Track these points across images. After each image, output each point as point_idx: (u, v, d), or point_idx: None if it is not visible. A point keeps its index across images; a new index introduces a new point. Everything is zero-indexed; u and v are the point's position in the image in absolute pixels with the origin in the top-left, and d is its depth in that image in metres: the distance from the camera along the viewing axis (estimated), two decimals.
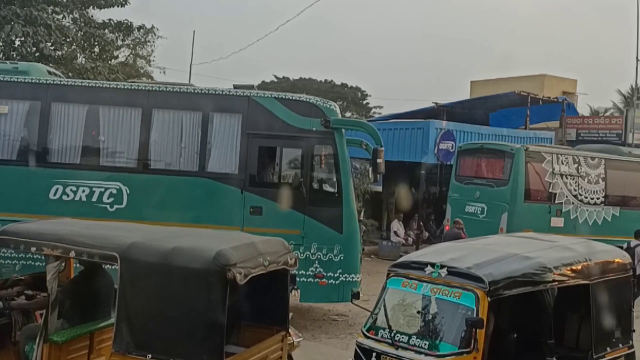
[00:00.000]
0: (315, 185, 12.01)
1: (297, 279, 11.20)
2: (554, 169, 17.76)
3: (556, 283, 6.91)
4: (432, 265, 6.72)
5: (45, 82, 12.34)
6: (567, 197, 17.96)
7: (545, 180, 17.77)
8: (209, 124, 11.91)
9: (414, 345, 6.44)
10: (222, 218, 11.50)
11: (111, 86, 12.53)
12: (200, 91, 12.25)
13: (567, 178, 17.93)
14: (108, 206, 11.58)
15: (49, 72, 13.46)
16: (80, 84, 12.62)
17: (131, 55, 34.53)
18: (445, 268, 6.64)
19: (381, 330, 6.76)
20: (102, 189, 11.62)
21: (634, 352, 7.93)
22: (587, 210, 18.24)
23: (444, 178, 26.05)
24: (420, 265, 6.86)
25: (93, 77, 21.89)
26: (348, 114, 46.21)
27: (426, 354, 6.31)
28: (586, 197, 18.23)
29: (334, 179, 11.80)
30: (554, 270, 6.88)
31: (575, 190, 18.10)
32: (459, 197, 18.65)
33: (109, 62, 27.05)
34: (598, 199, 18.43)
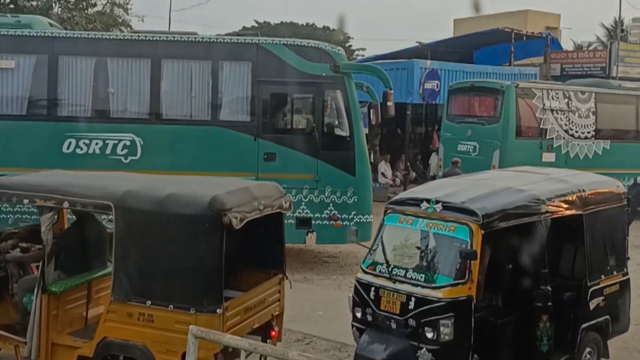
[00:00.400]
0: (327, 130, 12.05)
1: (313, 222, 11.63)
2: (544, 105, 17.71)
3: (549, 214, 6.97)
4: (428, 201, 6.79)
5: (51, 34, 12.13)
6: (558, 132, 17.96)
7: (536, 116, 17.73)
8: (219, 73, 11.89)
9: (411, 278, 6.55)
10: (236, 165, 11.50)
11: (118, 37, 12.42)
12: (208, 40, 12.39)
13: (557, 113, 17.89)
14: (122, 158, 11.57)
15: (50, 25, 13.25)
16: (87, 36, 12.55)
17: (108, 4, 33.93)
18: (440, 203, 6.70)
19: (379, 266, 6.86)
20: (116, 141, 11.57)
21: (628, 279, 8.04)
22: (578, 144, 18.23)
23: (429, 118, 26.13)
24: (416, 202, 6.93)
25: (70, 27, 21.52)
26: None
27: (422, 287, 6.42)
28: (577, 132, 18.21)
29: (345, 123, 11.88)
30: (547, 202, 6.95)
31: (566, 125, 18.08)
32: (451, 136, 18.63)
33: (86, 11, 26.54)
34: (589, 132, 18.40)
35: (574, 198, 7.31)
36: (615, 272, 7.83)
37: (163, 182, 7.10)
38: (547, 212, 6.93)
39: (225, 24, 78.96)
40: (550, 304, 6.85)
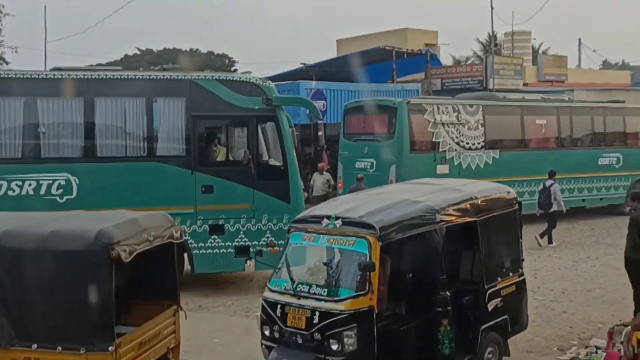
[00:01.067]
0: (262, 161, 12.33)
1: (251, 250, 11.78)
2: (435, 119, 18.36)
3: (444, 223, 7.19)
4: (328, 217, 6.95)
5: None
6: (449, 144, 18.63)
7: (429, 130, 18.36)
8: (153, 109, 11.97)
9: (315, 293, 6.66)
10: (174, 199, 11.68)
11: (49, 77, 11.87)
12: (142, 77, 12.38)
13: (448, 127, 18.60)
14: (57, 197, 11.36)
15: None
16: (15, 76, 11.99)
17: None
18: (340, 219, 6.87)
19: (284, 283, 6.95)
20: (50, 181, 11.34)
21: (524, 280, 8.43)
22: (470, 155, 18.97)
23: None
24: (317, 219, 7.08)
25: None
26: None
27: (326, 300, 6.55)
28: (467, 143, 18.96)
29: (279, 154, 12.22)
30: (441, 211, 7.18)
31: (457, 137, 18.77)
32: (349, 154, 19.00)
33: None
34: (479, 143, 19.20)
35: (467, 206, 7.59)
36: (511, 274, 8.14)
37: (48, 218, 6.88)
38: (441, 221, 7.15)
39: (106, 54, 77.37)
40: (449, 308, 7.02)
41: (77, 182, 11.49)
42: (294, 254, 7.16)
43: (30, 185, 11.44)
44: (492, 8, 31.43)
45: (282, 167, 12.20)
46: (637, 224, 10.10)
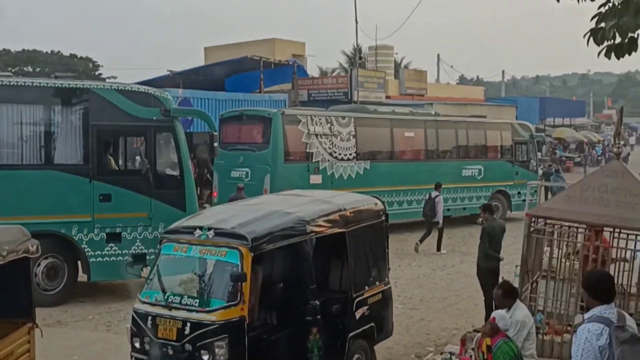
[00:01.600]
0: (159, 170, 12.60)
1: (147, 257, 11.81)
2: (309, 130, 18.68)
3: (314, 234, 7.39)
4: (201, 228, 6.97)
5: None
6: (322, 155, 18.94)
7: (303, 141, 18.63)
8: (51, 117, 11.86)
9: (186, 304, 6.66)
10: (72, 207, 11.71)
11: None
12: (39, 84, 12.03)
13: (321, 137, 18.96)
14: None
15: None
16: None
17: None
18: (212, 230, 6.90)
19: (156, 295, 6.91)
20: None
21: (390, 288, 8.77)
22: (342, 165, 19.36)
23: None
24: (190, 230, 7.09)
25: None
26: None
27: (197, 311, 6.56)
28: (340, 154, 19.36)
29: (175, 163, 12.49)
30: (311, 223, 7.37)
31: (330, 148, 19.13)
32: (224, 164, 18.91)
33: None
34: (351, 154, 19.60)
35: (336, 217, 7.81)
36: (377, 283, 8.42)
37: None
38: (311, 232, 7.34)
39: None
40: (319, 317, 7.21)
41: None
42: (166, 265, 7.15)
43: None
44: (356, 22, 32.28)
45: (179, 176, 12.46)
46: (487, 234, 10.90)
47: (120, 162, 12.99)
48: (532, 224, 8.36)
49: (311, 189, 16.99)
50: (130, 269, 11.31)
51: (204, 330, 6.46)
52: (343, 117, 19.82)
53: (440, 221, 17.85)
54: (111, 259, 11.97)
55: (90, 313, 11.42)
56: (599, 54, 6.46)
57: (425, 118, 22.23)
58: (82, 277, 12.42)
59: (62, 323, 10.86)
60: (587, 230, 8.15)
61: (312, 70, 43.24)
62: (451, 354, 9.04)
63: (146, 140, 12.45)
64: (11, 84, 11.85)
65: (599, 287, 4.85)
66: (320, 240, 7.61)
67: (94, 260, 11.85)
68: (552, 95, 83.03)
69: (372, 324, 8.22)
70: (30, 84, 12.07)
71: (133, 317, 6.98)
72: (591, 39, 6.36)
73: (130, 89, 12.51)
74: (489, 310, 10.24)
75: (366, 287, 8.17)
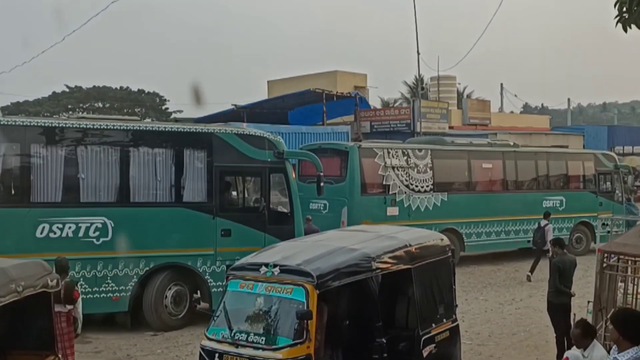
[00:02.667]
0: (272, 208, 13.48)
1: None
2: (385, 163, 18.81)
3: (379, 270, 7.29)
4: (266, 265, 6.95)
5: (22, 124, 12.04)
6: (399, 187, 19.03)
7: (379, 173, 18.80)
8: (181, 159, 12.74)
9: (252, 342, 6.63)
10: (197, 241, 12.60)
11: (92, 126, 12.35)
12: (171, 129, 13.26)
13: (398, 170, 19.05)
14: (94, 240, 11.83)
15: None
16: (54, 124, 12.48)
17: None
18: (278, 267, 6.88)
19: (222, 331, 6.89)
20: (88, 224, 11.81)
21: (457, 325, 8.53)
22: (419, 197, 19.35)
23: None
24: (255, 266, 7.08)
25: None
26: (148, 120, 46.06)
27: (263, 349, 6.53)
28: (417, 186, 19.37)
29: (287, 201, 13.44)
30: (376, 259, 7.28)
31: (406, 180, 19.18)
32: (304, 195, 18.61)
33: None
34: (427, 186, 19.57)
35: (402, 253, 7.68)
36: (444, 320, 8.23)
37: None
38: (377, 268, 7.24)
39: (34, 91, 75.24)
40: (385, 355, 7.06)
41: (112, 225, 12.02)
42: (232, 302, 7.14)
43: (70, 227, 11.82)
44: (418, 53, 32.17)
45: (289, 214, 13.37)
46: (557, 269, 10.54)
47: (239, 200, 13.86)
48: (605, 260, 8.15)
49: (388, 220, 17.98)
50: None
51: None
52: (420, 150, 19.83)
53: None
54: None
55: (158, 347, 11.47)
56: None
57: (503, 149, 21.97)
58: None
59: (131, 357, 10.94)
60: None
61: (374, 102, 43.24)
62: None
63: (261, 180, 13.31)
64: (147, 129, 12.93)
65: (634, 327, 4.80)
66: (387, 277, 7.56)
67: (216, 290, 12.51)
68: (621, 122, 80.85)
69: None
70: (164, 129, 13.21)
71: (200, 353, 6.99)
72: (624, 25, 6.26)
73: (248, 133, 13.37)
74: (560, 347, 10.00)
75: (433, 325, 7.99)
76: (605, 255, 8.21)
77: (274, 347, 6.53)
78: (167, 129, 13.25)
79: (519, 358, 10.94)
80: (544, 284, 11.35)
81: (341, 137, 26.18)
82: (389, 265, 7.49)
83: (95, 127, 12.34)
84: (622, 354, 4.77)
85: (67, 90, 52.01)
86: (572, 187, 22.86)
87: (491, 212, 20.47)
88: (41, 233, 11.57)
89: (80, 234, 11.82)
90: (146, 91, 54.06)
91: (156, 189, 12.67)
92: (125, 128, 12.57)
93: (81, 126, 12.37)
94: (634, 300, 8.45)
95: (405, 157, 19.35)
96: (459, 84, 45.74)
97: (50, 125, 12.44)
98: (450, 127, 34.10)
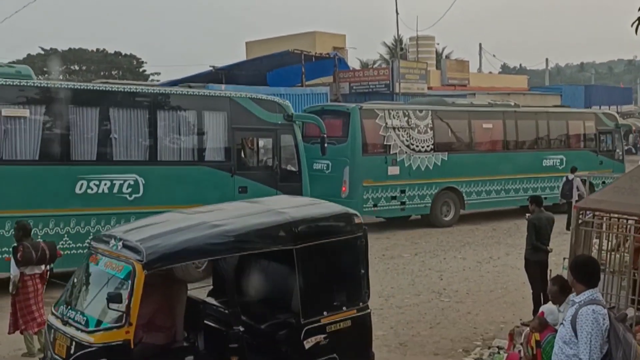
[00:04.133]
0: (283, 167, 13.88)
1: None
2: (386, 124, 18.20)
3: (238, 251, 6.19)
4: (115, 238, 5.92)
5: (60, 86, 12.40)
6: (400, 147, 18.35)
7: (380, 134, 18.16)
8: (202, 121, 13.09)
9: (76, 321, 5.71)
10: (218, 198, 12.01)
11: (121, 89, 13.12)
12: (193, 93, 13.54)
13: (399, 130, 18.35)
14: (127, 196, 12.09)
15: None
16: (92, 87, 13.10)
17: None
18: (122, 241, 5.82)
19: (61, 307, 6.04)
20: (121, 181, 12.04)
21: (367, 314, 6.93)
22: (419, 157, 18.65)
23: None
24: (107, 239, 6.05)
25: None
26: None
27: (82, 330, 5.58)
28: (417, 146, 18.65)
29: (295, 161, 13.96)
30: (237, 238, 6.05)
31: (407, 140, 18.48)
32: (307, 156, 18.49)
33: None
34: (428, 146, 18.84)
35: (280, 233, 6.35)
36: (345, 308, 6.73)
37: None
38: (235, 248, 6.08)
39: (7, 53, 72.44)
40: (242, 345, 5.93)
41: (143, 182, 12.29)
42: (79, 275, 6.23)
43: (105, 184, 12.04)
44: (397, 13, 30.47)
45: (297, 172, 13.93)
46: (534, 226, 10.01)
47: (254, 159, 13.97)
48: (581, 216, 7.79)
49: (389, 180, 17.91)
50: None
51: (84, 351, 5.44)
52: (420, 111, 19.05)
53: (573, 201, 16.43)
54: None
55: None
56: None
57: (504, 109, 21.11)
58: None
59: None
60: (637, 222, 7.50)
61: (353, 63, 41.32)
62: (499, 348, 8.41)
63: (273, 141, 13.74)
64: (172, 92, 13.42)
65: (587, 271, 4.87)
66: (269, 257, 6.60)
67: None
68: (598, 82, 78.57)
69: (334, 355, 6.53)
70: (188, 93, 13.47)
71: (45, 328, 6.28)
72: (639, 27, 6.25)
73: (261, 98, 13.91)
74: (537, 303, 9.55)
75: (325, 313, 6.53)
76: (581, 211, 7.84)
77: (89, 329, 5.54)
78: (190, 93, 13.53)
79: (496, 314, 10.51)
80: (522, 241, 10.82)
81: (320, 98, 24.66)
82: (257, 245, 6.26)
83: (125, 90, 13.09)
84: (579, 296, 4.84)
85: (42, 52, 49.99)
86: (573, 146, 22.08)
87: (491, 171, 19.86)
88: (80, 189, 11.72)
89: (115, 190, 12.04)
90: (123, 53, 52.00)
91: (181, 148, 12.93)
92: (152, 92, 13.30)
93: (113, 89, 13.05)
94: (608, 256, 8.01)
95: (406, 118, 18.63)
96: (438, 44, 43.74)
97: (86, 88, 12.93)
98: (429, 88, 32.54)
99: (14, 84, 11.57)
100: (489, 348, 8.60)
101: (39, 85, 12.03)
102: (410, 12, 64.13)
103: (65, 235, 11.62)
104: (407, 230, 18.57)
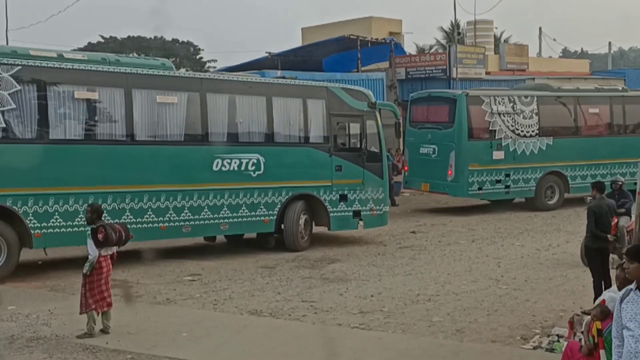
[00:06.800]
0: (368, 148, 15.28)
1: (362, 213, 15.20)
2: (492, 109, 19.24)
3: None
4: None
5: (200, 77, 14.33)
6: (505, 132, 19.30)
7: (485, 119, 19.16)
8: (307, 108, 14.74)
9: None
10: (320, 175, 14.84)
11: (244, 79, 14.90)
12: (299, 84, 15.26)
13: (504, 116, 19.42)
14: (252, 172, 13.94)
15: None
16: (223, 78, 14.88)
17: None
18: None
19: None
20: (247, 160, 13.80)
21: None
22: (524, 142, 19.51)
23: None
24: None
25: None
26: (183, 70, 45.49)
27: None
28: (522, 131, 19.57)
29: (377, 143, 15.38)
30: None
31: (512, 126, 19.39)
32: (414, 141, 20.27)
33: None
34: (533, 131, 19.68)
35: None
36: None
37: None
38: None
39: (69, 41, 74.94)
40: None
41: (264, 161, 14.07)
42: None
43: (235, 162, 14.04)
44: None
45: (379, 153, 15.37)
46: (593, 214, 9.98)
47: (346, 142, 15.34)
48: None
49: (494, 164, 19.20)
50: (351, 222, 14.98)
51: None
52: (526, 96, 19.82)
53: None
54: (342, 214, 14.95)
55: (197, 292, 11.31)
56: None
57: (611, 94, 21.40)
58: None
59: (171, 301, 10.81)
60: None
61: (410, 48, 40.83)
62: (559, 336, 8.29)
63: (360, 126, 15.22)
64: (282, 83, 15.17)
65: None
66: None
67: (333, 215, 14.81)
68: None
69: None
70: (293, 84, 15.19)
71: None
72: None
73: (351, 88, 15.53)
74: (597, 291, 9.34)
75: None
76: None
77: None
78: (296, 84, 15.20)
79: (555, 302, 10.27)
80: (582, 229, 10.76)
81: (376, 84, 25.26)
82: None
83: (248, 80, 14.61)
84: None
85: (102, 40, 51.29)
86: None
87: (596, 155, 20.30)
88: (216, 167, 13.42)
89: (242, 168, 13.70)
90: (180, 40, 53.47)
91: (291, 132, 14.62)
92: (267, 82, 15.03)
93: (238, 79, 14.60)
94: None
95: (512, 104, 19.44)
96: (496, 28, 43.32)
97: (218, 78, 14.84)
98: (487, 73, 32.10)
99: (167, 74, 13.28)
100: (548, 336, 8.54)
101: (182, 75, 14.06)
102: None
103: (206, 207, 13.37)
104: (464, 217, 18.73)
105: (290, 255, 13.88)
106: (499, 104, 19.29)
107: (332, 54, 28.64)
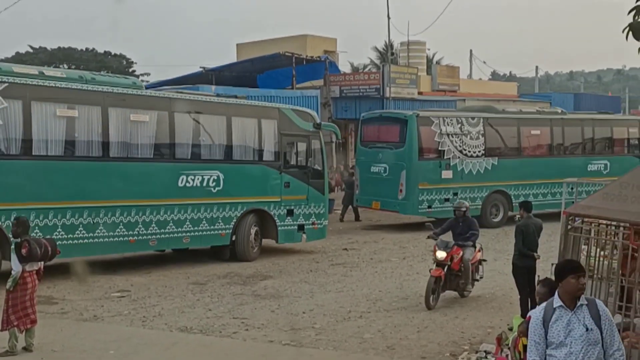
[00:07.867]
0: (312, 166, 16.06)
1: (305, 227, 16.05)
2: (441, 130, 19.70)
3: None
4: None
5: (170, 96, 14.55)
6: (453, 152, 19.80)
7: (435, 140, 19.59)
8: (260, 127, 15.45)
9: None
10: (269, 191, 15.50)
11: (209, 99, 15.52)
12: (254, 105, 16.11)
13: (452, 137, 19.89)
14: (212, 189, 14.43)
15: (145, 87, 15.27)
16: (191, 98, 15.12)
17: None
18: None
19: None
20: (209, 177, 14.36)
21: None
22: (471, 162, 20.04)
23: None
24: None
25: None
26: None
27: None
28: (469, 151, 20.12)
29: (320, 161, 16.24)
30: None
31: (460, 146, 19.89)
32: (365, 160, 20.61)
33: None
34: (479, 151, 20.25)
35: None
36: None
37: None
38: None
39: None
40: None
41: (223, 177, 14.67)
42: None
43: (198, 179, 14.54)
44: (388, 18, 31.13)
45: (321, 170, 16.19)
46: (521, 232, 10.13)
47: (294, 160, 15.99)
48: (570, 222, 7.79)
49: (443, 182, 19.59)
50: (296, 235, 15.73)
51: None
52: (473, 118, 20.35)
53: None
54: (289, 227, 15.63)
55: (126, 308, 11.02)
56: None
57: (552, 117, 22.15)
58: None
59: (98, 318, 10.50)
60: (626, 229, 7.45)
61: (344, 67, 41.62)
62: (487, 352, 8.41)
63: (306, 145, 16.01)
64: (245, 104, 15.76)
65: (574, 266, 5.14)
66: None
67: (281, 229, 15.51)
68: (587, 91, 79.96)
69: None
70: (250, 104, 15.95)
71: None
72: (630, 33, 6.07)
73: (299, 109, 16.49)
74: (524, 308, 9.57)
75: None
76: (570, 217, 7.85)
77: None
78: (253, 105, 15.94)
79: (483, 319, 10.42)
80: (510, 247, 10.87)
81: (310, 101, 25.39)
82: None
83: (207, 101, 15.18)
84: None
85: (31, 50, 50.31)
86: (617, 152, 22.92)
87: (539, 175, 20.96)
88: (181, 183, 13.92)
89: (204, 184, 14.25)
90: (112, 53, 52.75)
91: (247, 150, 15.17)
92: (227, 102, 15.43)
93: (198, 99, 15.09)
94: (596, 262, 8.04)
95: (460, 125, 19.93)
96: (429, 49, 44.48)
97: (185, 98, 14.93)
98: (420, 93, 32.68)
99: (139, 94, 13.59)
100: (477, 352, 8.62)
101: (153, 95, 14.30)
102: (402, 17, 65.46)
103: (171, 222, 13.85)
104: (396, 234, 18.76)
105: (221, 272, 13.64)
106: (448, 124, 19.79)
107: (266, 70, 28.69)
